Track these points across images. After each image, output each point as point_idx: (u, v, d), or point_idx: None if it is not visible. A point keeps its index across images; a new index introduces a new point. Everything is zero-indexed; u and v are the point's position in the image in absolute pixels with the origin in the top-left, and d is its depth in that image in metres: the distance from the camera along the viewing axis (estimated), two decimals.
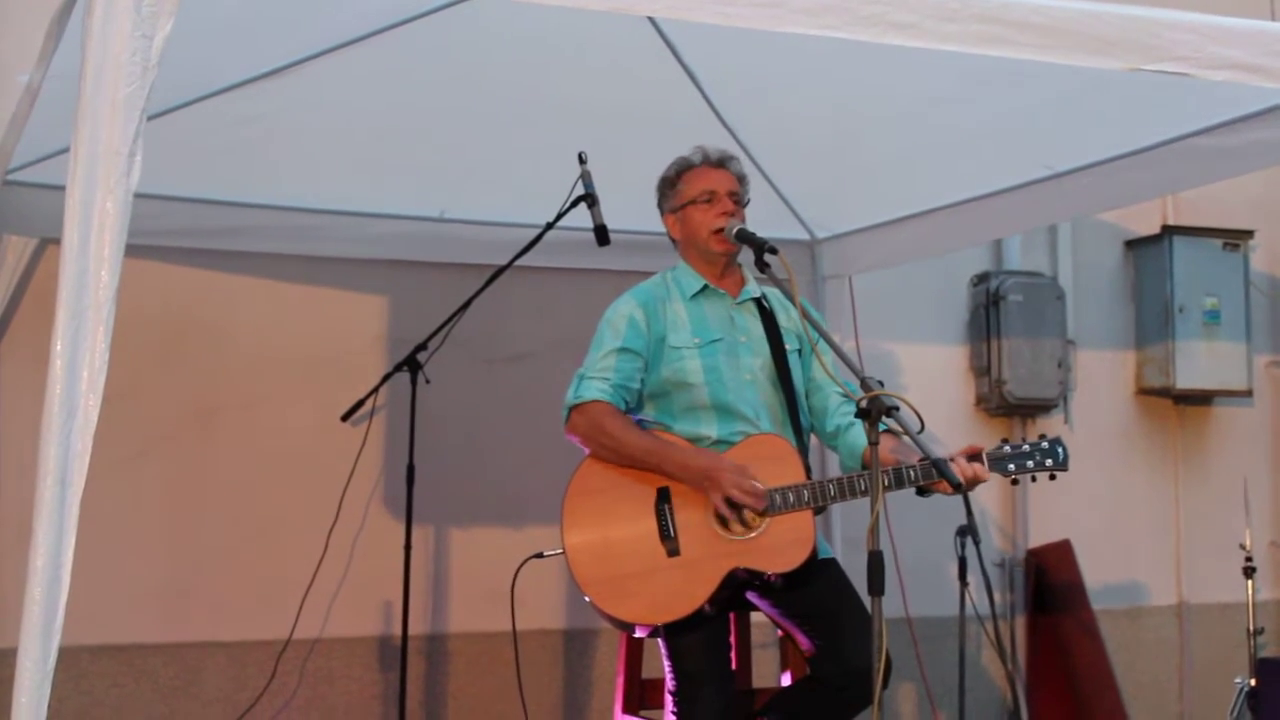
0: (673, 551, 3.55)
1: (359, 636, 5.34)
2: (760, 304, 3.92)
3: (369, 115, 4.68)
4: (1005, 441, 3.67)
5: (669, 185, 3.94)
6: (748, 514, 3.56)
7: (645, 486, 3.61)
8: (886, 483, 3.47)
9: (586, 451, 3.69)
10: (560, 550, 3.61)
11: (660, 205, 3.98)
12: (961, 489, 3.25)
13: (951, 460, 3.50)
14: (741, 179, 3.91)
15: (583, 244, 4.39)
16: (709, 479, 3.54)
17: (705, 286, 3.87)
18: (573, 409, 3.68)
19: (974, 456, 3.56)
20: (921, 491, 3.58)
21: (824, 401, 3.91)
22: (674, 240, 3.98)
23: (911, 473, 3.52)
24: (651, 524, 3.57)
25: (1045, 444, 3.64)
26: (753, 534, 3.54)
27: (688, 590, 3.52)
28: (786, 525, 3.55)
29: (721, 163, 3.89)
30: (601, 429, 3.62)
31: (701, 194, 3.84)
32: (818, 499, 3.57)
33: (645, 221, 4.59)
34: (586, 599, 3.57)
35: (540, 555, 3.94)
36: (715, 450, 3.68)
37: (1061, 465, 3.64)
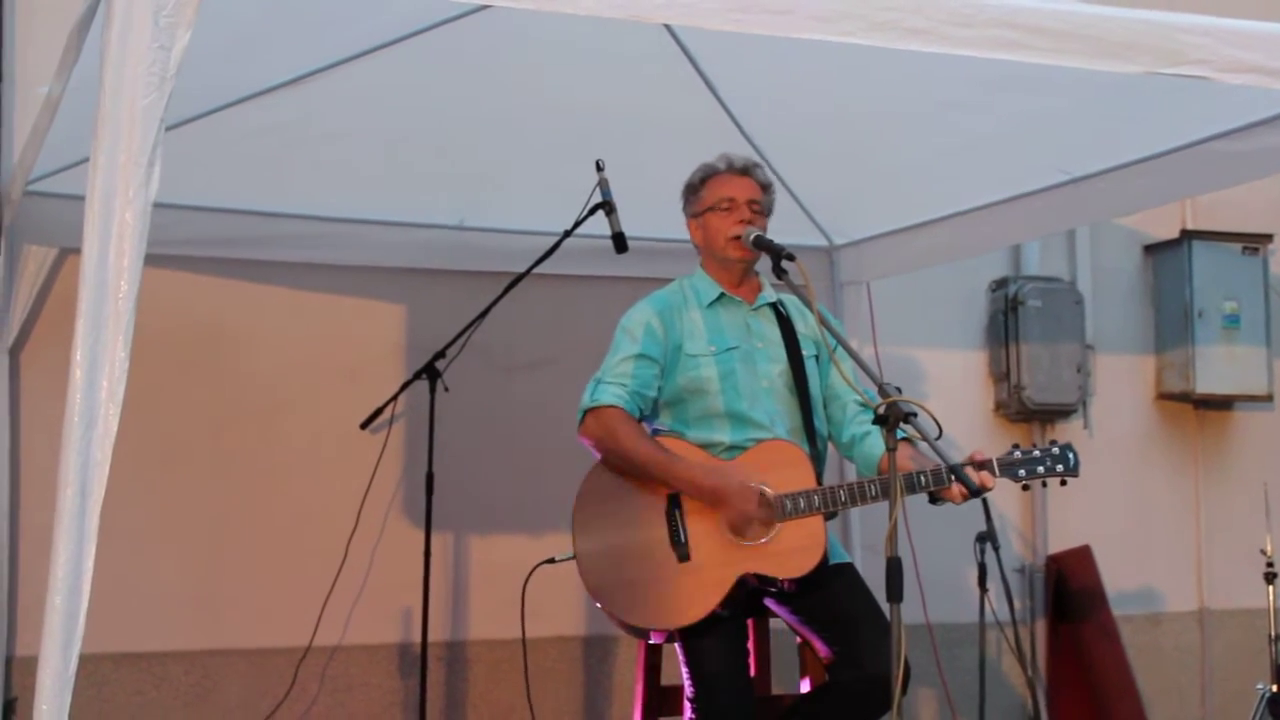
0: (683, 557, 3.55)
1: (379, 644, 5.35)
2: (777, 310, 3.92)
3: (387, 124, 4.69)
4: (1016, 447, 3.65)
5: (692, 191, 3.94)
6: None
7: (656, 491, 3.61)
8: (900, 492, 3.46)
9: (598, 456, 3.69)
10: (571, 555, 3.61)
11: (684, 210, 3.99)
12: (979, 494, 3.25)
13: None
14: (765, 187, 3.91)
15: (601, 251, 4.39)
16: (717, 500, 3.54)
17: (721, 294, 3.87)
18: (588, 412, 3.68)
19: (981, 465, 3.55)
20: (934, 499, 3.57)
21: (841, 411, 3.90)
22: (696, 246, 3.98)
23: (923, 478, 3.50)
24: (662, 530, 3.57)
25: (1056, 449, 3.63)
26: (763, 540, 3.54)
27: (698, 596, 3.52)
28: (797, 531, 3.55)
29: (745, 170, 3.89)
30: (613, 436, 3.63)
31: (721, 201, 3.84)
32: (828, 504, 3.57)
33: (663, 228, 4.60)
34: (597, 605, 3.57)
35: (551, 560, 3.95)
36: (728, 456, 3.68)
37: (1072, 471, 3.62)
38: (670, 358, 3.78)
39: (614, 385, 3.69)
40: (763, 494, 3.56)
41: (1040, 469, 3.61)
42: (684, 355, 3.78)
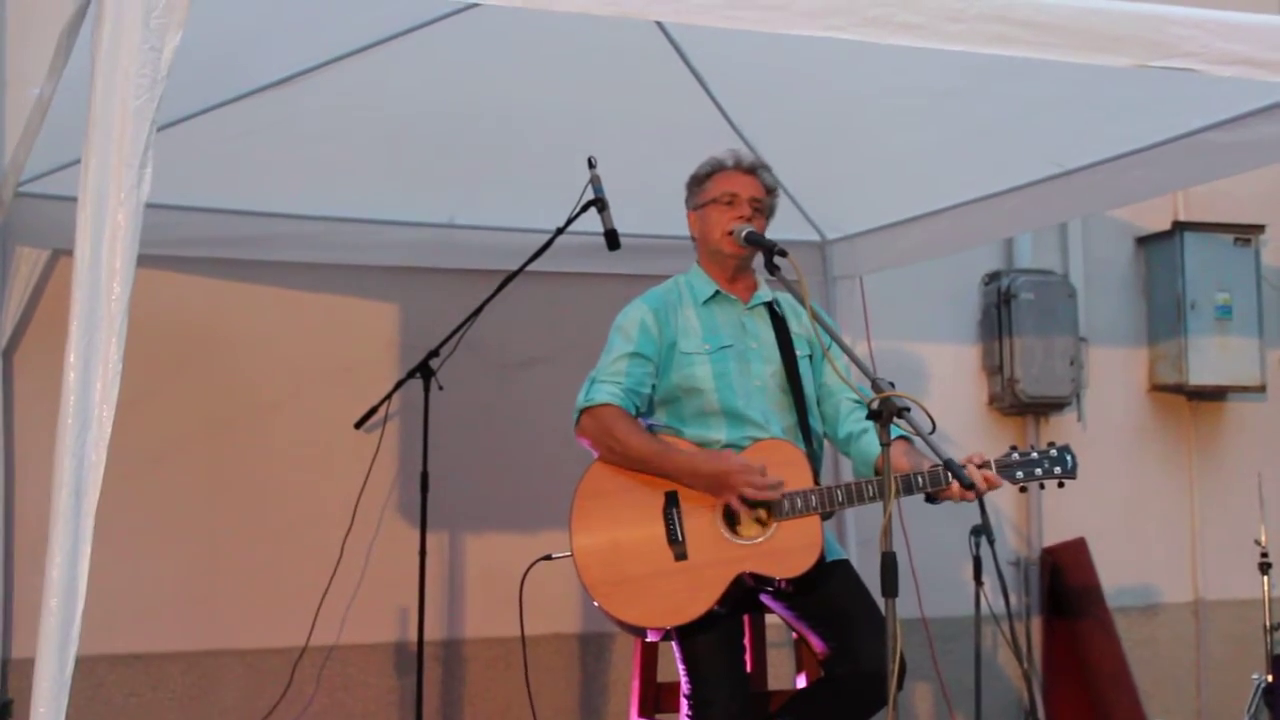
0: (680, 555, 3.55)
1: (375, 643, 5.35)
2: (772, 309, 3.92)
3: (378, 122, 4.69)
4: (1014, 449, 3.64)
5: (697, 183, 3.94)
6: (756, 515, 3.56)
7: (654, 489, 3.61)
8: (895, 488, 3.45)
9: (596, 455, 3.69)
10: (568, 553, 3.62)
11: (687, 201, 3.98)
12: (973, 487, 3.25)
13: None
14: (770, 190, 3.90)
15: (593, 249, 4.38)
16: (719, 483, 3.54)
17: (717, 292, 3.87)
18: (583, 412, 3.68)
19: (980, 467, 3.53)
20: (931, 499, 3.57)
21: (835, 408, 3.90)
22: (694, 239, 3.98)
23: (920, 479, 3.51)
24: (659, 527, 3.57)
25: (1054, 452, 3.62)
26: (760, 538, 3.54)
27: (695, 594, 3.51)
28: (794, 530, 3.55)
29: (751, 169, 3.89)
30: (610, 432, 3.63)
31: (723, 195, 3.84)
32: (826, 504, 3.57)
33: (656, 225, 4.61)
34: (595, 603, 3.58)
35: (549, 557, 3.95)
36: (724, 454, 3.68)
37: (1070, 473, 3.61)
38: (665, 355, 3.78)
39: (608, 383, 3.69)
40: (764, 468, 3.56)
41: (1038, 471, 3.60)
42: (678, 353, 3.78)
